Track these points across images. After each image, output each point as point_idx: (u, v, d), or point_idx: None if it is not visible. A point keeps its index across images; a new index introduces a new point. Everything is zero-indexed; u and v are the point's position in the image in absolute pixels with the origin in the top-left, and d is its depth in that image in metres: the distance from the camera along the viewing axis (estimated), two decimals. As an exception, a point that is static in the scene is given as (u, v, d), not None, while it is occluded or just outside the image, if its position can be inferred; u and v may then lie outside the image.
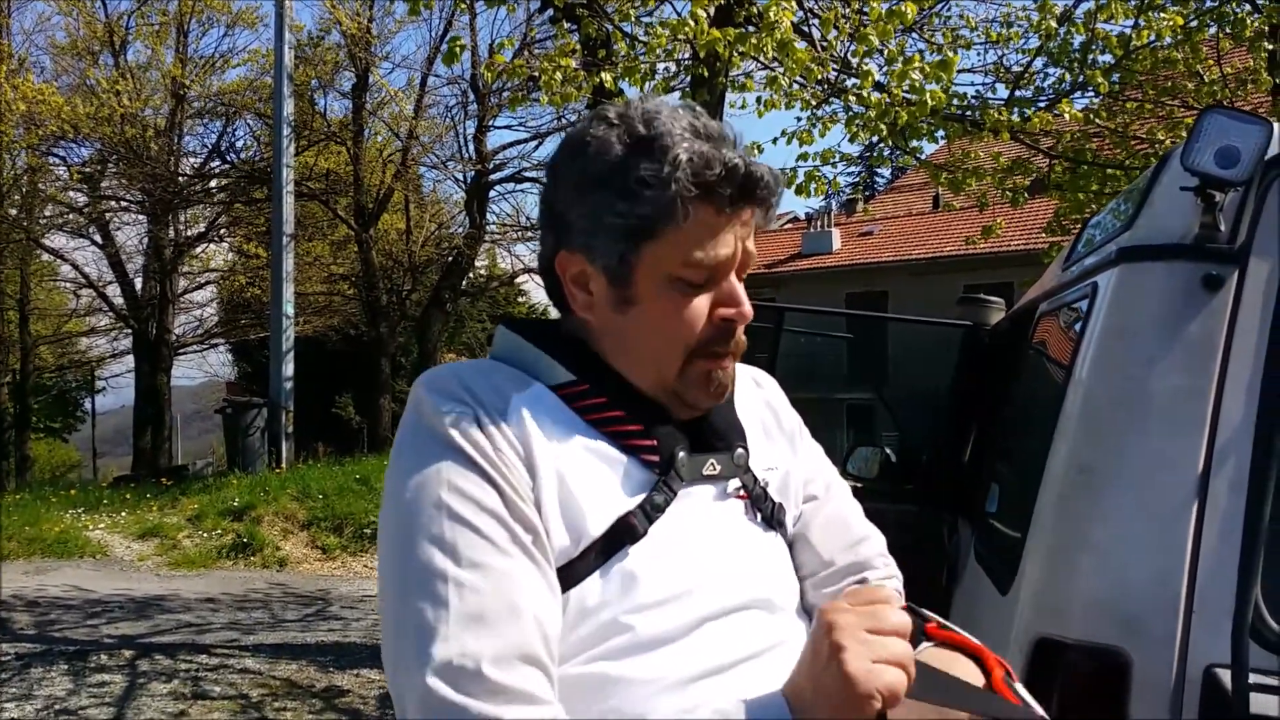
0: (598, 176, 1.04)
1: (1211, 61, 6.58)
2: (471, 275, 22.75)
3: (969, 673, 1.03)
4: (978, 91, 7.86)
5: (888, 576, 1.21)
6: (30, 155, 19.41)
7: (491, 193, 20.03)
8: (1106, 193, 6.32)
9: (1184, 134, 1.74)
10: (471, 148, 19.63)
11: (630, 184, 1.02)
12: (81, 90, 18.62)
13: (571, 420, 1.05)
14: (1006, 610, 1.80)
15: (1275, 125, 1.67)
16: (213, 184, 21.36)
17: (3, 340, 22.94)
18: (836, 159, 6.34)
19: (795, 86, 5.28)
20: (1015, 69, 7.25)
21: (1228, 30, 5.97)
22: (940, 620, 1.11)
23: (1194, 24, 5.83)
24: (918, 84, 5.05)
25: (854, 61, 5.39)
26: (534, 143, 19.66)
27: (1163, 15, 5.65)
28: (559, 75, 5.24)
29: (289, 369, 14.47)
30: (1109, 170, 6.54)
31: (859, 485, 1.33)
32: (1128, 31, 5.81)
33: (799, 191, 5.95)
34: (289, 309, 14.83)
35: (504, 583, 0.92)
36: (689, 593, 1.02)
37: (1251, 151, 1.59)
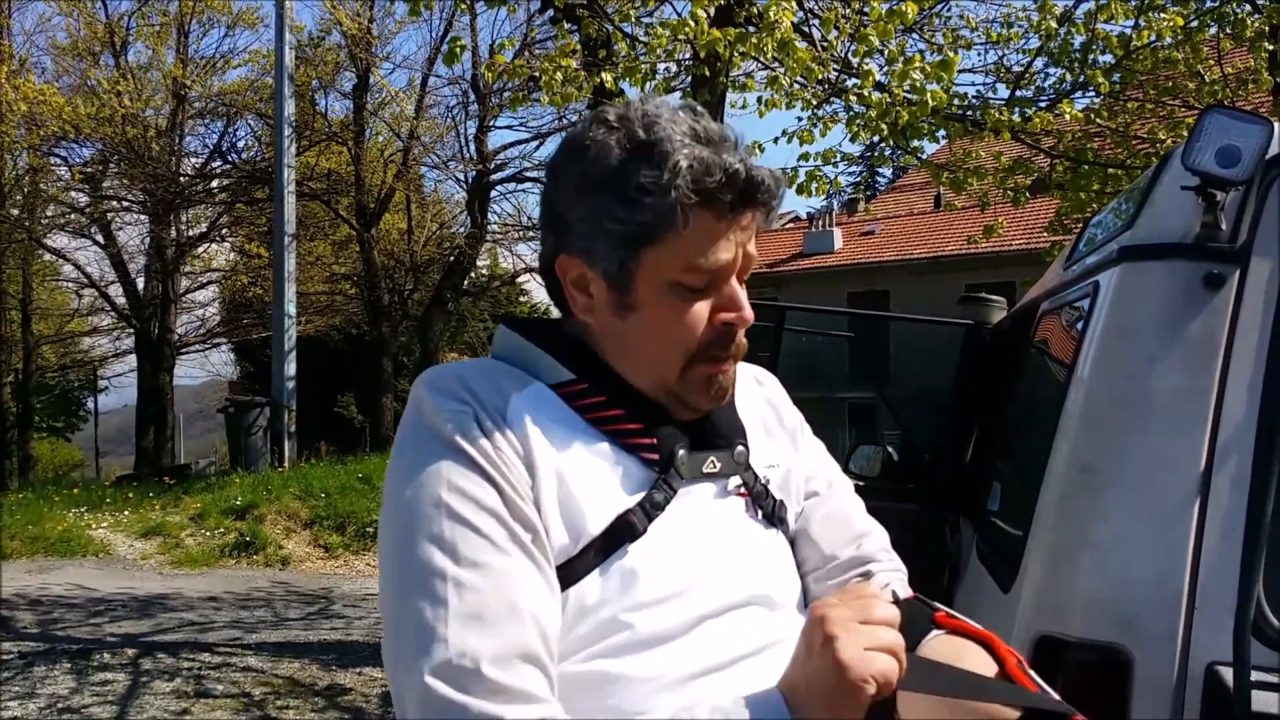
0: (598, 181, 1.04)
1: (1212, 61, 6.58)
2: (473, 275, 22.75)
3: (980, 661, 1.03)
4: (979, 91, 7.87)
5: (892, 570, 1.21)
6: (32, 155, 19.42)
7: (493, 192, 20.06)
8: (1108, 192, 6.32)
9: (1185, 133, 1.75)
10: (473, 148, 19.66)
11: (630, 190, 1.01)
12: (82, 91, 18.64)
13: (571, 419, 1.05)
14: (1008, 608, 1.80)
15: (1276, 125, 1.67)
16: (214, 184, 21.38)
17: (5, 340, 22.95)
18: (838, 159, 6.34)
19: (796, 86, 5.28)
20: (1016, 69, 7.24)
21: (1228, 30, 5.97)
22: (948, 610, 1.11)
23: (1194, 24, 5.83)
24: (918, 84, 5.05)
25: (854, 61, 5.39)
26: (535, 143, 19.72)
27: (1163, 15, 5.65)
28: (559, 75, 5.24)
29: (291, 368, 14.48)
30: (1110, 170, 6.54)
31: (861, 484, 1.33)
32: (1128, 32, 5.81)
33: (800, 191, 5.96)
34: (291, 308, 14.84)
35: (503, 582, 0.93)
36: (688, 590, 1.02)
37: (1252, 151, 1.59)
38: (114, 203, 21.16)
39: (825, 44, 5.51)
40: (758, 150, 5.61)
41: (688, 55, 5.66)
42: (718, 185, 1.01)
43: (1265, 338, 1.61)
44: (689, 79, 5.74)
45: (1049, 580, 1.72)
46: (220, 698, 5.54)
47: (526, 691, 0.89)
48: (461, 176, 20.75)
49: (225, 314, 24.04)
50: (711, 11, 5.13)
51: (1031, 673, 1.03)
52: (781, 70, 5.05)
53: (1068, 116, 6.04)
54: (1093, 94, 6.54)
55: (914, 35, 6.78)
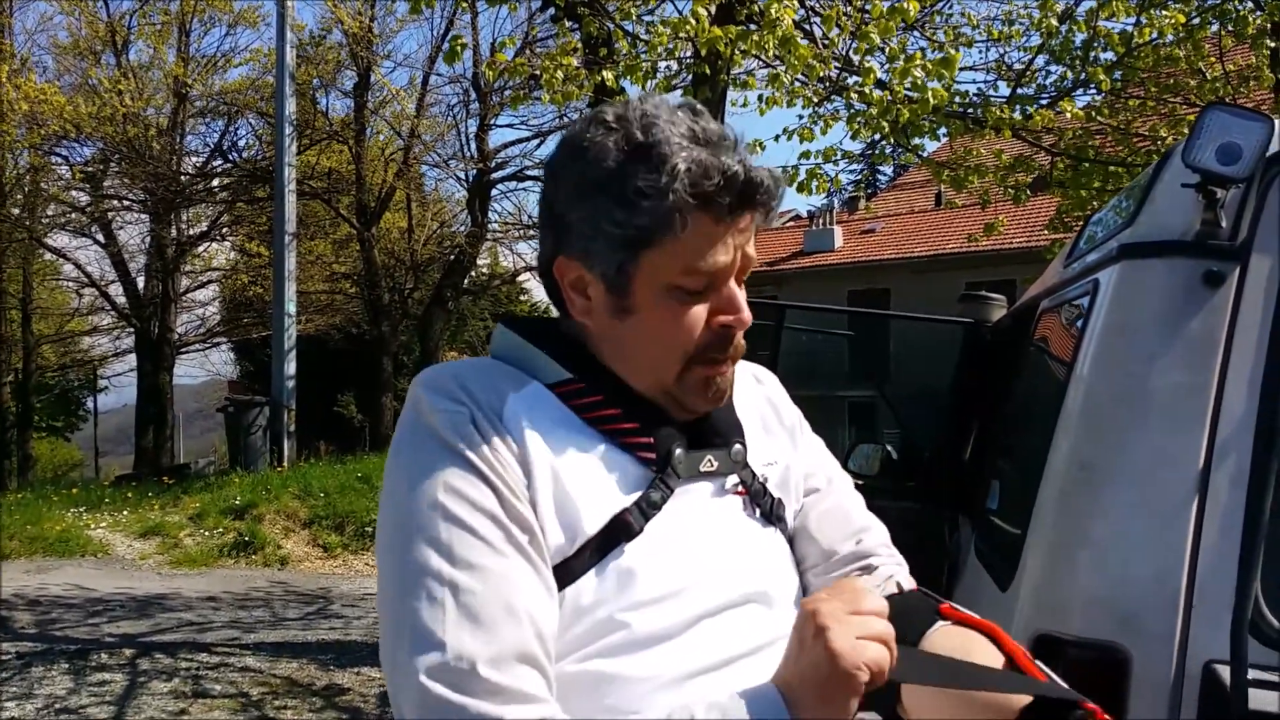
0: (596, 183, 1.03)
1: (1213, 59, 6.57)
2: (473, 274, 22.78)
3: (986, 652, 1.03)
4: (979, 89, 7.86)
5: (894, 565, 1.21)
6: (33, 155, 19.45)
7: (493, 191, 20.09)
8: (1109, 190, 6.32)
9: (1186, 131, 1.74)
10: (473, 146, 19.67)
11: (628, 194, 1.01)
12: (84, 90, 18.66)
13: (568, 418, 1.05)
14: (1006, 607, 1.80)
15: (1277, 122, 1.66)
16: (215, 183, 21.40)
17: (5, 339, 22.97)
18: (838, 156, 6.33)
19: (797, 84, 5.27)
20: (1017, 67, 7.23)
21: (1230, 28, 5.96)
22: (952, 603, 1.11)
23: (1196, 21, 5.82)
24: (920, 81, 5.05)
25: (856, 59, 5.39)
26: (536, 141, 19.72)
27: (1164, 13, 5.64)
28: (560, 74, 5.24)
29: (291, 368, 14.49)
30: (1111, 167, 6.53)
31: (860, 482, 1.33)
32: (1129, 29, 5.80)
33: (801, 189, 5.95)
34: (291, 308, 14.85)
35: (499, 583, 0.92)
36: (685, 590, 1.01)
37: (1253, 148, 1.59)
38: (114, 202, 21.18)
39: (826, 41, 5.51)
40: (759, 148, 5.62)
41: (689, 53, 5.66)
42: (716, 188, 1.00)
43: (1265, 335, 1.60)
44: (690, 77, 5.74)
45: (1048, 578, 1.71)
46: (218, 698, 5.54)
47: (524, 692, 0.89)
48: (462, 175, 20.79)
49: (225, 313, 24.06)
50: (712, 9, 5.12)
51: (1039, 663, 1.02)
52: (782, 68, 5.04)
53: (1069, 114, 6.04)
54: (1094, 91, 6.53)
55: (915, 33, 6.78)
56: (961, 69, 5.62)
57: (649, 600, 0.99)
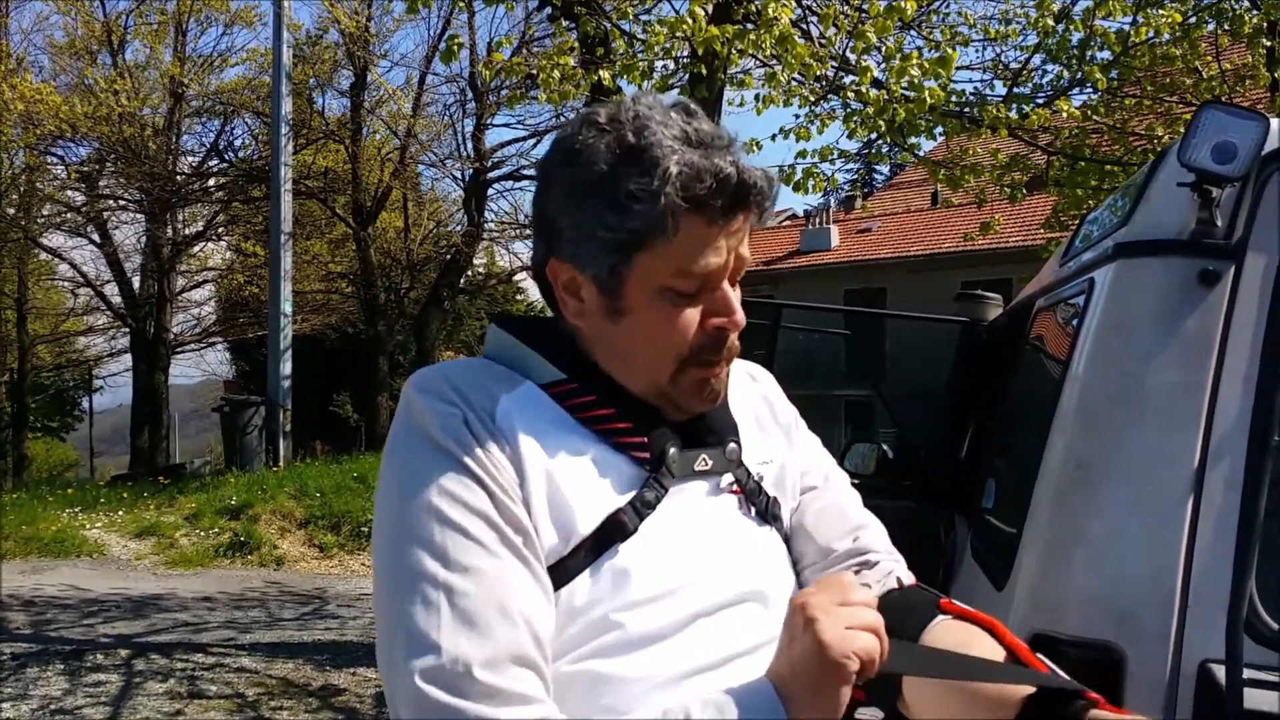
0: (587, 185, 1.03)
1: (1210, 58, 6.57)
2: (470, 273, 22.77)
3: (986, 646, 1.03)
4: (976, 88, 7.86)
5: (893, 561, 1.20)
6: (28, 154, 19.43)
7: (490, 191, 20.07)
8: (1105, 189, 6.32)
9: (1182, 130, 1.74)
10: (470, 146, 19.68)
11: (620, 197, 1.00)
12: (79, 89, 18.62)
13: (561, 418, 1.05)
14: (1002, 606, 1.79)
15: (1272, 121, 1.66)
16: (211, 183, 21.37)
17: (1, 339, 22.92)
18: (835, 156, 6.32)
19: (794, 83, 5.27)
20: (1014, 66, 7.25)
21: (1226, 27, 5.96)
22: (950, 598, 1.11)
23: (1192, 20, 5.83)
24: (916, 81, 5.05)
25: (852, 58, 5.39)
26: (532, 140, 19.67)
27: (1161, 12, 5.65)
28: (557, 73, 5.23)
29: (287, 367, 14.48)
30: (1107, 166, 6.53)
31: (856, 481, 1.33)
32: (1126, 28, 5.81)
33: (797, 188, 5.94)
34: (287, 307, 14.84)
35: (494, 585, 0.92)
36: (680, 589, 1.01)
37: (1248, 147, 1.59)
38: (110, 201, 21.14)
39: (823, 41, 5.50)
40: (756, 148, 5.62)
41: (686, 53, 5.66)
42: (708, 191, 1.00)
43: (1260, 334, 1.60)
44: (687, 76, 5.73)
45: (1043, 577, 1.71)
46: (214, 698, 5.53)
47: (520, 693, 0.88)
48: (459, 174, 20.78)
49: (221, 313, 24.03)
50: (709, 9, 5.12)
51: (1040, 655, 1.02)
52: (779, 67, 5.04)
53: (1065, 113, 6.04)
54: (1090, 90, 6.55)
55: (912, 32, 6.78)
56: (958, 68, 5.63)
57: (644, 600, 0.99)
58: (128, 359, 23.55)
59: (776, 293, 24.17)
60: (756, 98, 5.72)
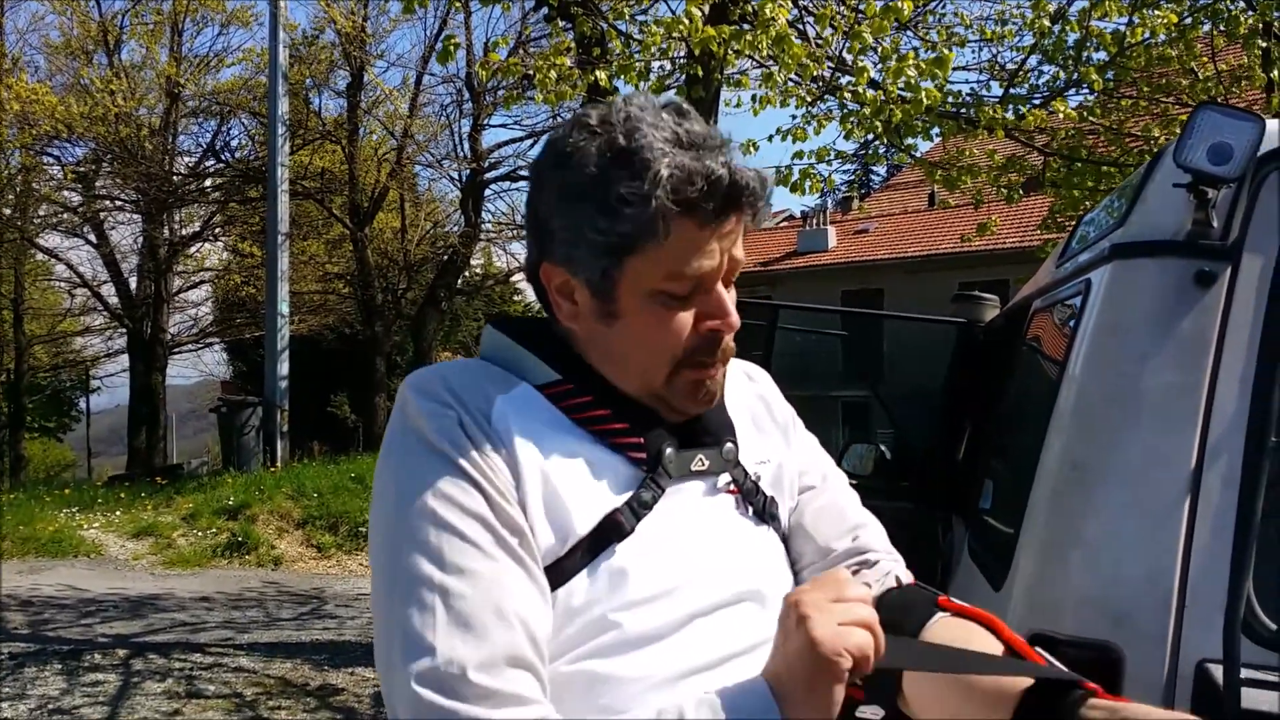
0: (579, 189, 1.02)
1: (1206, 59, 6.58)
2: (467, 274, 22.74)
3: (986, 642, 1.03)
4: (972, 89, 7.89)
5: (892, 560, 1.21)
6: (24, 155, 19.38)
7: (487, 191, 20.05)
8: (1101, 190, 6.33)
9: (1178, 131, 1.74)
10: (466, 146, 19.66)
11: (610, 201, 1.00)
12: (76, 89, 18.59)
13: (557, 419, 1.05)
14: (1000, 606, 1.80)
15: (1268, 122, 1.67)
16: (207, 183, 21.34)
17: (-3, 340, 22.90)
18: (832, 156, 6.33)
19: (791, 84, 5.27)
20: (1010, 66, 7.25)
21: (1222, 28, 5.97)
22: (948, 596, 1.12)
23: (1188, 21, 5.83)
24: (913, 81, 5.05)
25: (849, 59, 5.39)
26: (529, 141, 19.64)
27: (1157, 13, 5.65)
28: (554, 74, 5.23)
29: (284, 368, 14.46)
30: (1104, 167, 6.54)
31: (854, 482, 1.33)
32: (1122, 29, 5.81)
33: (794, 189, 5.94)
34: (284, 308, 14.82)
35: (489, 587, 0.92)
36: (678, 589, 1.01)
37: (1244, 148, 1.59)
38: (107, 202, 21.11)
39: (820, 41, 5.50)
40: (752, 149, 5.63)
41: (682, 53, 5.65)
42: (699, 194, 0.99)
43: (1256, 335, 1.61)
44: (684, 77, 5.73)
45: (1040, 578, 1.71)
46: (212, 698, 5.53)
47: (516, 694, 0.88)
48: (455, 175, 20.77)
49: (218, 313, 23.99)
50: (706, 9, 5.11)
51: (1039, 649, 1.02)
52: (776, 67, 5.03)
53: (1061, 114, 6.05)
54: (1086, 91, 6.55)
55: (908, 32, 6.78)
56: (954, 69, 5.62)
57: (641, 600, 0.99)
58: (125, 359, 23.53)
59: (773, 294, 24.17)
60: (753, 98, 5.72)
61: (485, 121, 19.51)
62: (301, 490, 11.61)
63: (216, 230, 22.10)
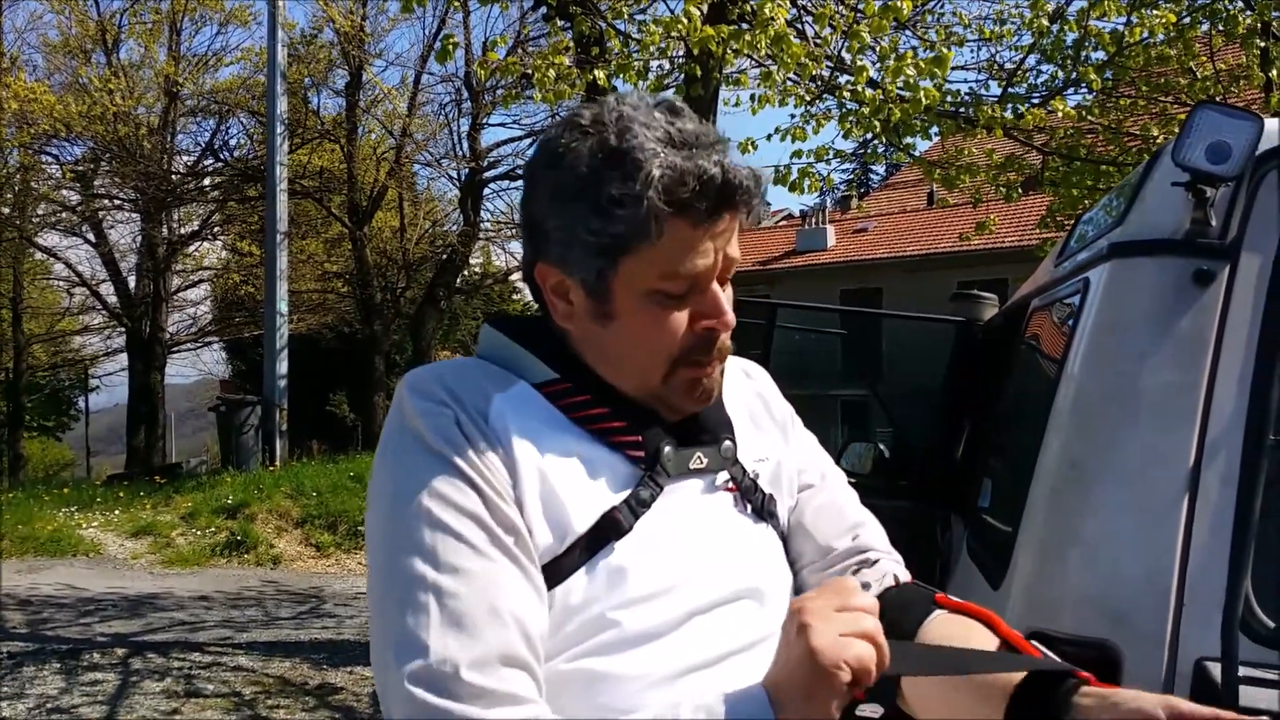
0: (571, 189, 1.02)
1: (1204, 58, 6.59)
2: (466, 273, 22.73)
3: (984, 639, 1.03)
4: (971, 88, 7.87)
5: (892, 560, 1.21)
6: (23, 154, 19.36)
7: (485, 190, 20.06)
8: (1100, 189, 6.33)
9: (1177, 130, 1.74)
10: (465, 145, 19.65)
11: (603, 202, 1.00)
12: (74, 88, 18.60)
13: (555, 418, 1.05)
14: (998, 605, 1.79)
15: (1266, 121, 1.67)
16: (206, 182, 21.35)
17: (-4, 339, 22.89)
18: (830, 155, 6.34)
19: (789, 83, 5.27)
20: (1009, 66, 7.24)
21: (1220, 27, 5.97)
22: (945, 593, 1.12)
23: (1187, 21, 5.83)
24: (911, 80, 5.05)
25: (848, 58, 5.39)
26: (528, 140, 19.61)
27: (1155, 12, 5.65)
28: (552, 73, 5.23)
29: (283, 367, 14.46)
30: (1102, 166, 6.54)
31: (853, 481, 1.33)
32: (1120, 28, 5.81)
33: (793, 188, 5.94)
34: (283, 307, 14.82)
35: (484, 586, 0.92)
36: (676, 587, 1.01)
37: (1242, 147, 1.59)
38: (105, 201, 21.10)
39: (819, 40, 5.50)
40: (751, 147, 5.62)
41: (681, 52, 5.65)
42: (692, 193, 0.99)
43: (1255, 334, 1.61)
44: (682, 76, 5.73)
45: (1039, 576, 1.71)
46: (211, 697, 5.53)
47: (510, 693, 0.88)
48: (454, 174, 20.76)
49: (217, 312, 23.99)
50: (705, 9, 5.11)
51: (1035, 642, 1.03)
52: (775, 67, 5.03)
53: (1060, 113, 6.05)
54: (1085, 91, 6.55)
55: (907, 32, 6.79)
56: (953, 68, 5.62)
57: (640, 598, 0.99)
58: (123, 358, 23.54)
59: (772, 292, 24.16)
60: (752, 98, 5.72)
61: (484, 120, 19.55)
62: (300, 489, 11.61)
63: (215, 229, 22.10)
